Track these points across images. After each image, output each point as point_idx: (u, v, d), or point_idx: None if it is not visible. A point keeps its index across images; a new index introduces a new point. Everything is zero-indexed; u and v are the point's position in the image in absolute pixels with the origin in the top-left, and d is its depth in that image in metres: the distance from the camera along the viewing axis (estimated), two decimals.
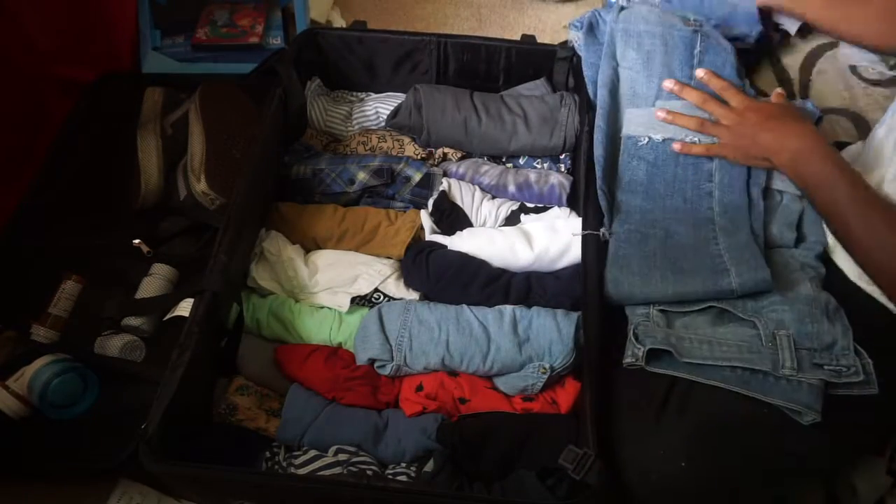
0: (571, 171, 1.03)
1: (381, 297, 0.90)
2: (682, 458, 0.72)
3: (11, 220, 1.10)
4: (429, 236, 0.94)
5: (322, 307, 0.91)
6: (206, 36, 1.29)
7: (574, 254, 0.89)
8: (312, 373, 0.86)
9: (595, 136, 0.92)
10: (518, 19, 1.46)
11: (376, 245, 0.96)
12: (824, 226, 0.88)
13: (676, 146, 0.91)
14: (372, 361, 0.85)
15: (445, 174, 1.02)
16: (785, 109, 0.88)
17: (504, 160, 1.07)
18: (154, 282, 1.00)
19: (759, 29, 1.15)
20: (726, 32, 1.05)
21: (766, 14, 1.14)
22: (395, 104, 1.09)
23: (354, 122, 1.11)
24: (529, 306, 0.86)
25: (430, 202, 0.97)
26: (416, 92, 1.07)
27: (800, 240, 0.88)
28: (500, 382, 0.84)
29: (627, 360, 0.78)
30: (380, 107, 1.11)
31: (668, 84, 0.92)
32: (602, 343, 0.79)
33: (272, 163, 1.00)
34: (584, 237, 0.87)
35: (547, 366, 0.81)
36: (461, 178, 1.02)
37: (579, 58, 1.04)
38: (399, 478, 0.78)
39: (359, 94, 1.16)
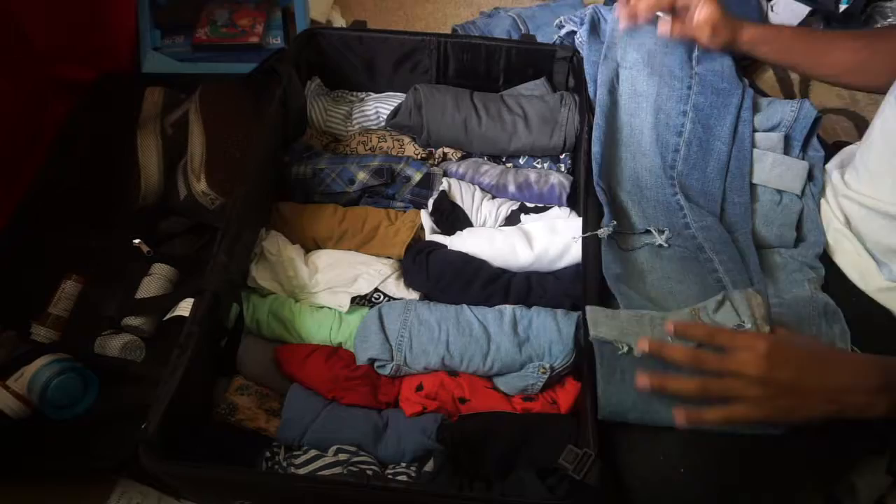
0: (571, 171, 1.03)
1: (381, 297, 0.90)
2: (682, 464, 0.71)
3: (11, 220, 1.10)
4: (429, 236, 0.94)
5: (322, 307, 0.91)
6: (206, 36, 1.29)
7: (574, 254, 0.89)
8: (312, 373, 0.86)
9: (593, 134, 0.92)
10: None
11: (376, 245, 0.96)
12: (823, 225, 0.88)
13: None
14: (372, 361, 0.85)
15: (445, 174, 1.02)
16: (804, 339, 0.70)
17: (504, 160, 1.07)
18: (154, 282, 1.00)
19: None
20: None
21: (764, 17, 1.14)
22: (395, 104, 1.09)
23: (354, 121, 1.11)
24: (529, 306, 0.86)
25: (430, 202, 0.97)
26: (416, 92, 1.07)
27: (800, 240, 0.88)
28: (501, 382, 0.84)
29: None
30: (380, 107, 1.11)
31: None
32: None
33: (272, 163, 1.00)
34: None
35: (547, 365, 0.81)
36: (461, 178, 1.02)
37: (579, 58, 1.04)
38: (399, 478, 0.78)
39: (359, 94, 1.16)
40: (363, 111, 1.11)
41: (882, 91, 0.81)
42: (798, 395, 0.62)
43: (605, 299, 0.82)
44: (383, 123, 1.10)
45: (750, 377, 0.62)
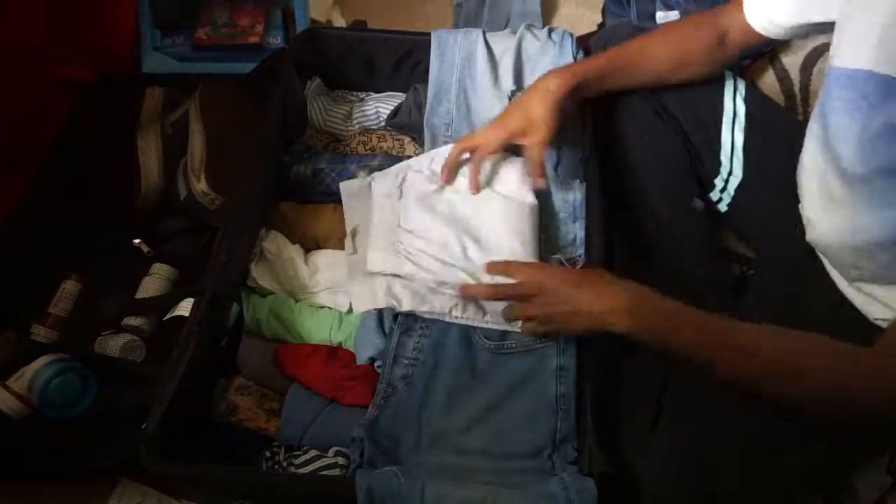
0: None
1: None
2: (679, 469, 0.71)
3: (11, 220, 1.10)
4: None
5: (322, 307, 0.91)
6: (206, 36, 1.29)
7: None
8: (312, 373, 0.86)
9: None
10: None
11: None
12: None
13: (458, 290, 0.82)
14: (372, 361, 0.85)
15: None
16: (575, 272, 0.82)
17: None
18: (154, 282, 1.00)
19: None
20: None
21: None
22: (395, 104, 1.09)
23: (354, 121, 1.11)
24: None
25: None
26: (416, 92, 1.07)
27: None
28: None
29: None
30: (380, 106, 1.11)
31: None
32: (604, 343, 0.79)
33: (272, 163, 1.00)
34: (587, 241, 0.88)
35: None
36: None
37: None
38: None
39: (359, 93, 1.16)
40: (363, 111, 1.11)
41: (705, 77, 0.92)
42: (564, 314, 0.75)
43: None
44: (383, 123, 1.10)
45: (528, 300, 0.76)
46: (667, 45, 0.91)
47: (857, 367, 0.66)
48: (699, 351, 0.70)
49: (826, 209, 0.76)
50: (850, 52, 0.69)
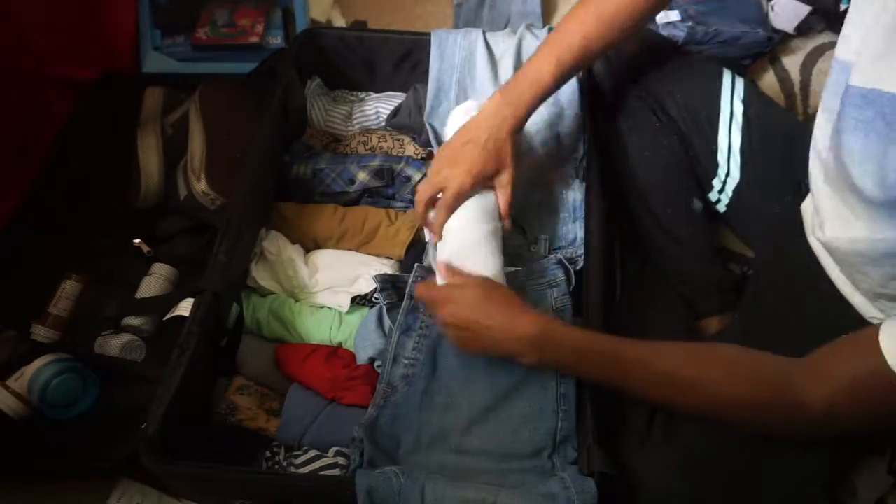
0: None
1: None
2: (680, 471, 0.71)
3: (11, 220, 1.10)
4: (428, 236, 0.94)
5: (322, 307, 0.92)
6: (207, 36, 1.29)
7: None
8: (312, 373, 0.86)
9: None
10: None
11: (376, 245, 0.96)
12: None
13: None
14: (372, 361, 0.85)
15: None
16: (503, 299, 0.76)
17: None
18: (154, 282, 1.00)
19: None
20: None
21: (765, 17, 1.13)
22: (396, 104, 1.09)
23: (354, 121, 1.11)
24: None
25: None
26: (416, 91, 1.07)
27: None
28: None
29: None
30: (380, 106, 1.11)
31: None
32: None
33: (272, 163, 1.00)
34: (586, 241, 0.88)
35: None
36: None
37: None
38: None
39: (359, 93, 1.16)
40: (363, 111, 1.11)
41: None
42: (470, 332, 0.74)
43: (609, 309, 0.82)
44: (383, 123, 1.10)
45: (440, 318, 0.76)
46: (600, 27, 0.85)
47: (776, 399, 0.65)
48: (608, 381, 0.71)
49: (845, 224, 0.74)
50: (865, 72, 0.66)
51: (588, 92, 1.01)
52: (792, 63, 1.37)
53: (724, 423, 0.70)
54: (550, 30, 1.08)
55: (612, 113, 0.99)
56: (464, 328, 0.74)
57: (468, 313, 0.74)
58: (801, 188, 0.86)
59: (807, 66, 1.36)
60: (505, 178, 0.84)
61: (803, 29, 1.37)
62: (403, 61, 1.11)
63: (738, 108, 0.94)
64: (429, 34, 1.09)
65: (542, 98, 0.86)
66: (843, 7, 1.34)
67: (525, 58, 1.06)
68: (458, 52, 1.06)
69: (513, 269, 0.89)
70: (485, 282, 0.78)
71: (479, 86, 1.05)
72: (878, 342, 0.58)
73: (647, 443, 0.75)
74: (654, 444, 0.74)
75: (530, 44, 1.06)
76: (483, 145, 0.82)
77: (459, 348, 0.78)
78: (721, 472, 0.73)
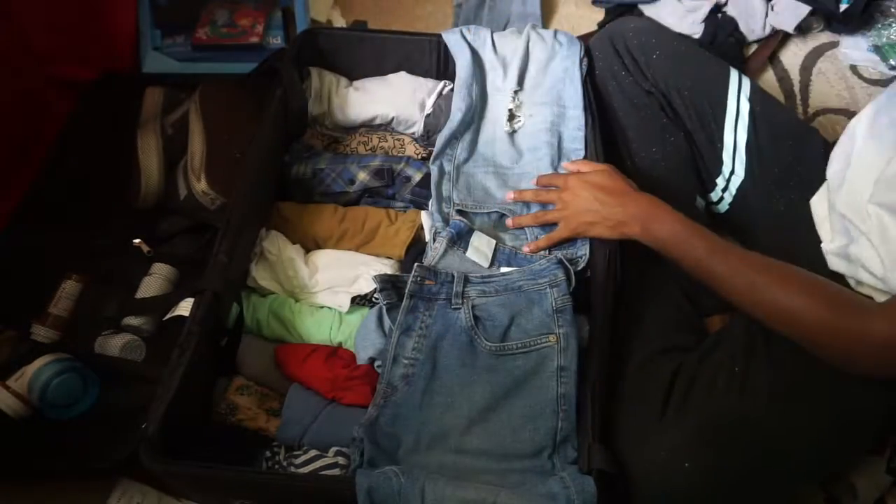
0: None
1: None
2: (686, 459, 0.72)
3: (11, 220, 1.10)
4: (429, 236, 0.94)
5: (322, 307, 0.92)
6: (207, 36, 1.29)
7: None
8: (312, 373, 0.86)
9: None
10: None
11: (376, 245, 0.96)
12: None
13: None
14: (372, 361, 0.85)
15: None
16: (612, 178, 0.87)
17: None
18: (154, 281, 1.00)
19: None
20: None
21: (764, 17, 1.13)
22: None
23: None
24: None
25: (431, 202, 0.97)
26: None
27: None
28: None
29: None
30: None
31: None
32: (609, 339, 0.80)
33: (272, 163, 1.00)
34: (591, 244, 0.89)
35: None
36: None
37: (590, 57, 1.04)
38: None
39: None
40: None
41: None
42: (601, 219, 0.85)
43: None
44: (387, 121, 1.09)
45: (559, 205, 0.89)
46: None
47: (862, 331, 0.67)
48: (705, 271, 0.76)
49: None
50: None
51: (591, 91, 1.01)
52: (792, 63, 1.37)
53: (791, 328, 0.71)
54: (556, 32, 1.08)
55: (617, 108, 0.99)
56: (581, 215, 0.85)
57: (588, 196, 0.85)
58: (808, 187, 0.87)
59: (807, 66, 1.36)
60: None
61: (803, 29, 1.37)
62: (403, 62, 1.11)
63: (745, 107, 0.94)
64: (429, 35, 1.09)
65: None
66: (842, 7, 1.34)
67: (533, 59, 1.06)
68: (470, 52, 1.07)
69: (513, 268, 0.89)
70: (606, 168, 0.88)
71: (487, 87, 1.05)
72: None
73: (663, 420, 0.75)
74: (668, 422, 0.75)
75: (537, 45, 1.06)
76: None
77: (567, 237, 0.88)
78: (733, 452, 0.73)
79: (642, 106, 0.98)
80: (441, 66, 1.11)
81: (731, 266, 0.75)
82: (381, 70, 1.13)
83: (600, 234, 0.85)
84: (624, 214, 0.82)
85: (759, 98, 0.95)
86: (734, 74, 0.96)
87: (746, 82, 0.96)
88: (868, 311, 0.68)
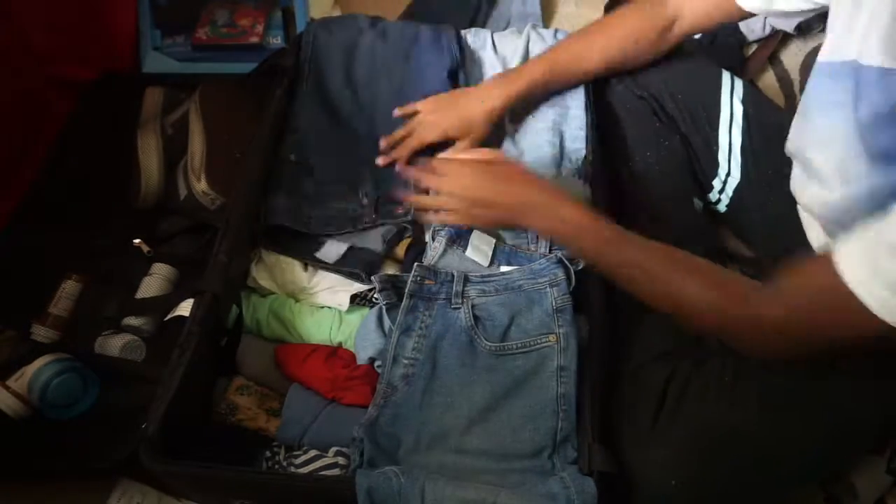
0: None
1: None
2: (680, 465, 0.72)
3: (11, 220, 1.09)
4: (428, 236, 0.94)
5: (322, 307, 0.91)
6: (207, 36, 1.29)
7: None
8: (312, 373, 0.86)
9: None
10: None
11: None
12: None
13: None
14: (372, 361, 0.85)
15: None
16: (500, 163, 0.83)
17: None
18: (154, 282, 1.00)
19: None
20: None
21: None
22: None
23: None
24: None
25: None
26: None
27: None
28: None
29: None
30: None
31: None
32: (608, 340, 0.80)
33: (272, 162, 1.00)
34: None
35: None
36: None
37: None
38: None
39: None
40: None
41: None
42: (481, 207, 0.80)
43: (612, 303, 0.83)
44: None
45: (449, 193, 0.82)
46: (610, 41, 0.94)
47: (756, 317, 0.66)
48: (599, 261, 0.76)
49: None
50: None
51: (592, 93, 1.02)
52: (792, 63, 1.37)
53: (689, 319, 0.71)
54: (556, 32, 1.08)
55: (612, 113, 0.99)
56: (473, 203, 0.80)
57: (482, 183, 0.80)
58: None
59: (807, 67, 1.36)
60: (466, 143, 0.94)
61: (803, 29, 1.37)
62: None
63: (738, 109, 0.94)
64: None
65: (530, 91, 0.94)
66: None
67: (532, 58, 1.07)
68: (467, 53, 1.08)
69: (513, 267, 0.89)
70: (492, 155, 0.84)
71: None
72: (833, 261, 0.59)
73: (655, 428, 0.75)
74: (661, 430, 0.75)
75: (536, 44, 1.07)
76: (462, 111, 0.92)
77: (471, 223, 0.85)
78: (724, 462, 0.73)
79: (634, 111, 0.98)
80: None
81: (625, 257, 0.73)
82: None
83: (494, 218, 0.82)
84: (516, 200, 0.78)
85: (751, 100, 0.95)
86: (726, 77, 0.96)
87: (739, 84, 0.96)
88: (758, 296, 0.67)
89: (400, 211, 0.93)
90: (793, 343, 0.66)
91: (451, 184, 0.82)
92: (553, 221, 0.77)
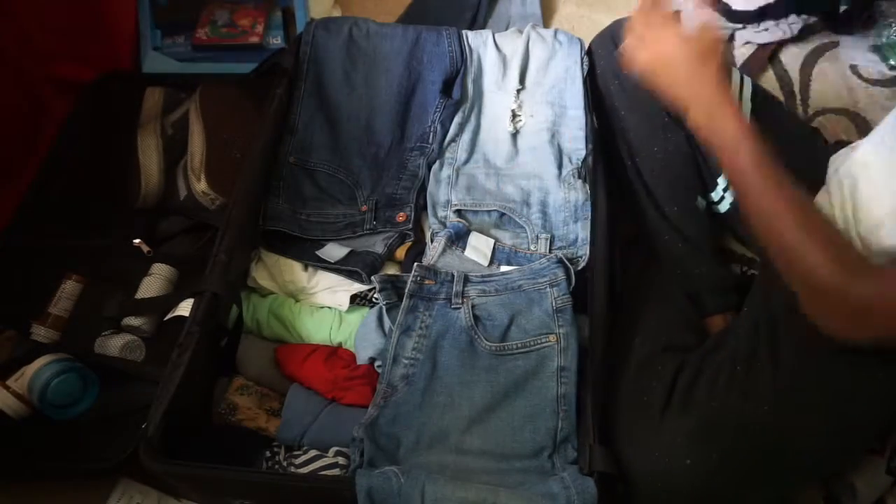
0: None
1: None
2: (686, 457, 0.72)
3: (11, 220, 1.09)
4: (428, 236, 0.94)
5: (322, 307, 0.91)
6: (207, 36, 1.29)
7: None
8: (312, 373, 0.86)
9: None
10: None
11: None
12: None
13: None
14: (372, 361, 0.85)
15: None
16: (709, 54, 0.78)
17: None
18: (154, 282, 1.00)
19: None
20: None
21: None
22: None
23: None
24: None
25: (428, 207, 0.97)
26: None
27: None
28: None
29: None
30: None
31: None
32: (606, 340, 0.80)
33: (272, 163, 1.00)
34: (592, 241, 0.88)
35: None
36: None
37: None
38: None
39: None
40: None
41: None
42: (665, 76, 0.78)
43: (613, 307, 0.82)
44: None
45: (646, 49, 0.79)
46: None
47: (845, 290, 0.65)
48: (739, 182, 0.73)
49: None
50: None
51: (592, 91, 1.02)
52: (792, 63, 1.37)
53: (790, 267, 0.69)
54: (556, 31, 1.08)
55: (619, 107, 0.99)
56: (661, 73, 0.77)
57: (677, 63, 0.76)
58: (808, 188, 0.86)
59: (806, 67, 1.36)
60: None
61: (803, 29, 1.37)
62: None
63: (747, 106, 0.94)
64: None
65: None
66: (842, 8, 1.34)
67: (533, 58, 1.06)
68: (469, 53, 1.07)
69: (513, 267, 0.89)
70: (708, 34, 0.78)
71: (487, 87, 1.05)
72: None
73: (665, 418, 0.75)
74: (673, 413, 0.75)
75: (537, 45, 1.07)
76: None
77: (640, 62, 0.79)
78: (734, 452, 0.73)
79: (644, 105, 0.97)
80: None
81: (767, 186, 0.71)
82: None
83: (673, 94, 0.78)
84: (693, 92, 0.76)
85: (759, 98, 0.95)
86: (736, 74, 0.96)
87: (748, 82, 0.95)
88: (858, 271, 0.66)
89: (399, 220, 0.93)
90: (865, 330, 0.66)
91: (652, 43, 0.78)
92: (716, 123, 0.74)
